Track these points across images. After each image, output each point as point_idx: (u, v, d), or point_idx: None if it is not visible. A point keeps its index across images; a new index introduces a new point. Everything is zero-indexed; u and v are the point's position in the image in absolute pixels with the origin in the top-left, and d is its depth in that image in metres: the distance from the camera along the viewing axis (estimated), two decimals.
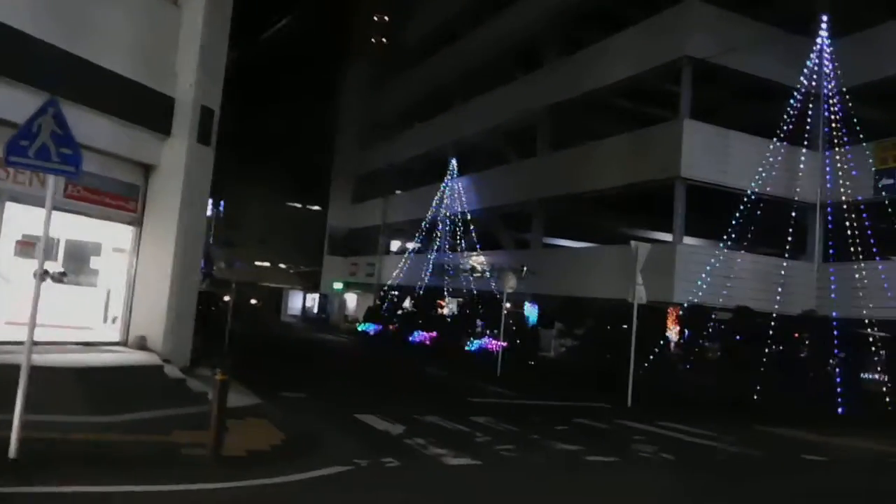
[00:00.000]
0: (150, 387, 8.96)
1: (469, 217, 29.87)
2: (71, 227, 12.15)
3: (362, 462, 7.45)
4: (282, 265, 64.82)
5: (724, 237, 18.94)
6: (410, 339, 28.09)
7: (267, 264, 66.49)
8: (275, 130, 57.81)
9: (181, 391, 9.63)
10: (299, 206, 68.04)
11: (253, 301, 59.25)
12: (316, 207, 59.10)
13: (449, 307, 30.29)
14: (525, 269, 22.81)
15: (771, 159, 19.67)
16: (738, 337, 16.92)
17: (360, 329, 33.59)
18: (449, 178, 31.97)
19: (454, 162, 31.97)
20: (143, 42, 11.00)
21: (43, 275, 11.51)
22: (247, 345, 22.21)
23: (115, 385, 8.51)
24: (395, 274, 34.63)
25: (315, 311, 48.39)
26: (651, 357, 16.59)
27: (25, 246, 10.18)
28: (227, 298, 57.89)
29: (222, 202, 66.35)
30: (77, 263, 13.36)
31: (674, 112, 21.08)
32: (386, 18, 45.11)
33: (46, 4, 9.49)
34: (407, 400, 13.16)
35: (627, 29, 22.99)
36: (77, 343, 10.59)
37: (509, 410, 12.90)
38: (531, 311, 25.32)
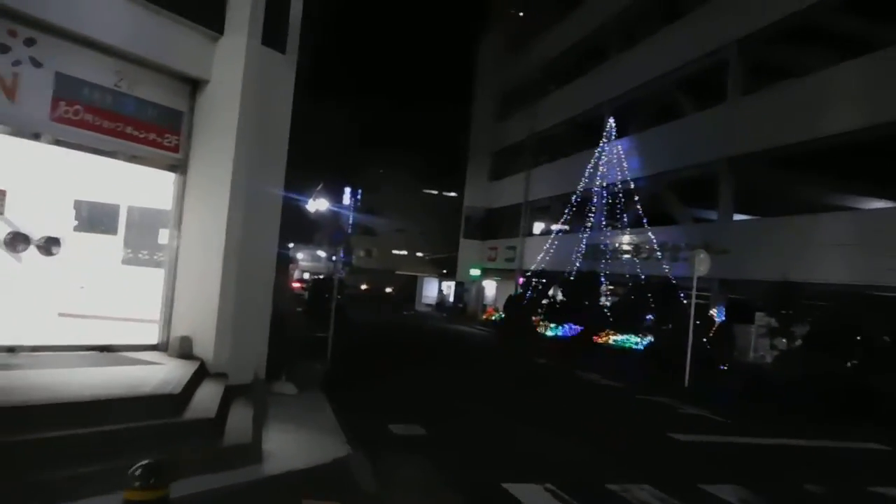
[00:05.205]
0: (134, 439, 4.74)
1: (632, 187, 24.64)
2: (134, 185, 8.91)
3: None
4: (419, 253, 62.21)
5: None
6: (561, 332, 23.53)
7: (404, 252, 64.30)
8: (408, 111, 55.11)
9: (196, 445, 5.24)
10: (435, 192, 65.14)
11: (387, 290, 57.10)
12: (452, 193, 55.66)
13: (606, 296, 25.27)
14: (723, 248, 17.54)
15: None
16: None
17: (498, 320, 29.37)
18: (605, 141, 26.79)
19: (611, 122, 26.73)
20: None
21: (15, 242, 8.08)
22: (365, 342, 18.61)
23: (66, 441, 4.50)
24: (539, 258, 29.95)
25: (451, 299, 44.54)
26: None
27: None
28: (363, 287, 56.16)
29: (359, 191, 65.10)
30: (143, 236, 10.19)
31: None
32: None
33: None
34: (583, 440, 8.48)
35: None
36: (92, 348, 7.16)
37: (750, 459, 8.03)
38: (717, 302, 19.88)
